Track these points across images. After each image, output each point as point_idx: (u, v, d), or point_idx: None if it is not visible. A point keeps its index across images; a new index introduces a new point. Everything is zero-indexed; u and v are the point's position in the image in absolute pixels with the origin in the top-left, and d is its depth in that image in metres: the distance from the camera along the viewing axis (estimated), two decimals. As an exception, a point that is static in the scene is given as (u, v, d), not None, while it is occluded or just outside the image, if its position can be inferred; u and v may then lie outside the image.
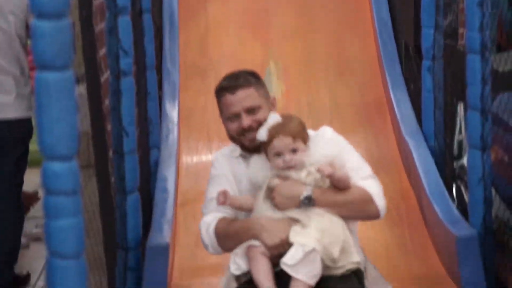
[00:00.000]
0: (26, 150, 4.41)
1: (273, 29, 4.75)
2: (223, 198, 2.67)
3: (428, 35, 3.94)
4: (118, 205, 3.29)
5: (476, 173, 3.22)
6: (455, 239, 3.20)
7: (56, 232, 1.72)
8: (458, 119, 4.16)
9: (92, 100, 3.07)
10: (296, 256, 2.50)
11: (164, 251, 3.25)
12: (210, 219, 2.77)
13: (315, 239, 2.51)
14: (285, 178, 2.64)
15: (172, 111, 4.28)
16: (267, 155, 2.67)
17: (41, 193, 1.73)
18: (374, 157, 4.14)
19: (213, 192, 2.80)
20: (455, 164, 4.08)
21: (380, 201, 2.69)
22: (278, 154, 2.62)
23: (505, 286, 3.26)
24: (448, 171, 3.95)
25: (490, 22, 3.14)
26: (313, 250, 2.49)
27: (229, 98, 2.79)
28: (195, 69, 4.57)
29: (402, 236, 3.65)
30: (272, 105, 2.85)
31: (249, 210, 2.71)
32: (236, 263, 2.64)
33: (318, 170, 2.59)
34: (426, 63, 3.98)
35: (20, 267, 4.56)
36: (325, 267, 2.53)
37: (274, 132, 2.63)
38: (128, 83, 3.25)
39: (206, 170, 4.00)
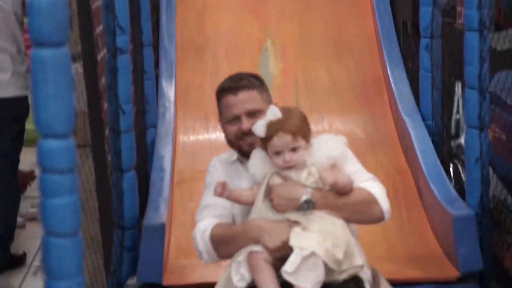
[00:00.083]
0: (22, 129, 4.40)
1: (271, 7, 4.72)
2: (221, 189, 2.51)
3: (426, 13, 3.92)
4: (114, 184, 3.28)
5: (473, 153, 3.21)
6: (452, 219, 3.20)
7: (52, 210, 1.70)
8: (455, 98, 4.15)
9: (89, 78, 3.06)
10: (294, 262, 2.34)
11: (160, 230, 3.24)
12: (205, 225, 2.62)
13: (315, 241, 2.36)
14: (285, 177, 2.50)
15: (169, 90, 4.26)
16: (266, 151, 2.52)
17: (37, 172, 1.71)
18: (372, 136, 4.14)
19: (207, 199, 2.68)
20: (452, 143, 4.07)
21: (384, 203, 2.54)
22: (278, 153, 2.47)
23: (502, 265, 3.26)
24: (446, 151, 3.95)
25: (488, 0, 3.12)
26: (313, 254, 2.34)
27: (231, 99, 2.66)
28: (192, 47, 4.55)
29: (399, 215, 3.64)
30: None
31: (247, 204, 2.57)
32: (240, 273, 2.45)
33: (320, 178, 2.45)
34: (424, 41, 3.97)
35: (16, 247, 4.56)
36: (327, 271, 2.37)
37: (274, 129, 2.46)
38: (124, 61, 3.24)
39: (202, 149, 4.02)
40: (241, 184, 2.66)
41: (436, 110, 3.97)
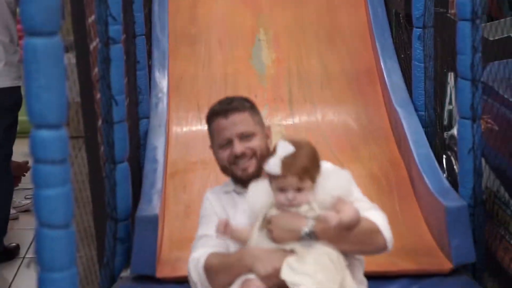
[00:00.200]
0: (14, 120, 4.39)
1: (263, -4, 4.72)
2: (223, 228, 2.44)
3: (419, 3, 3.91)
4: (107, 175, 3.27)
5: (466, 143, 3.21)
6: (444, 210, 3.20)
7: (45, 201, 1.70)
8: (448, 89, 4.15)
9: (81, 68, 3.04)
10: None
11: (154, 222, 3.24)
12: (199, 254, 2.55)
13: (308, 276, 2.27)
14: (284, 210, 2.39)
15: (162, 80, 4.25)
16: (270, 183, 2.40)
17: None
18: (365, 127, 4.14)
19: (203, 230, 2.62)
20: (445, 134, 4.08)
21: (387, 232, 2.45)
22: (282, 190, 2.36)
23: (495, 257, 3.26)
24: (438, 142, 3.95)
25: (481, -10, 3.12)
26: None
27: (222, 122, 2.59)
28: (185, 37, 4.54)
29: (392, 206, 3.64)
30: (267, 135, 2.65)
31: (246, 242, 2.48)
32: None
33: (324, 222, 2.32)
34: (416, 31, 3.96)
35: (9, 239, 4.55)
36: None
37: (285, 168, 2.33)
38: (117, 51, 3.23)
39: (195, 140, 4.01)
40: (236, 214, 2.60)
41: (428, 101, 3.97)
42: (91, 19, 3.37)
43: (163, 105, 4.12)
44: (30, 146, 1.68)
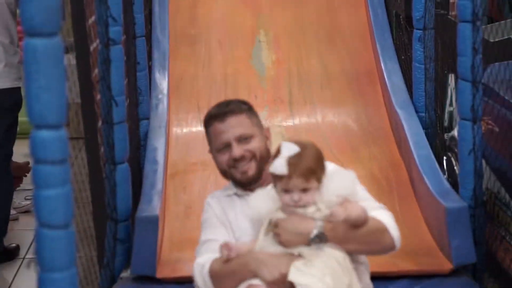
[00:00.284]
0: (15, 121, 4.39)
1: (263, -4, 4.72)
2: (227, 251, 2.41)
3: (419, 5, 3.91)
4: (107, 176, 3.27)
5: (466, 145, 3.21)
6: (445, 211, 3.20)
7: (44, 202, 1.70)
8: (449, 90, 4.15)
9: (81, 69, 3.04)
10: None
11: (154, 222, 3.23)
12: (204, 260, 2.51)
13: (316, 278, 2.24)
14: (290, 213, 2.36)
15: (162, 81, 4.24)
16: (274, 184, 2.37)
17: (32, 164, 1.72)
18: (365, 128, 4.13)
19: (206, 235, 2.60)
20: (445, 135, 4.08)
21: (394, 232, 2.43)
22: (287, 191, 2.33)
23: (495, 258, 3.26)
24: (439, 143, 3.95)
25: (481, -8, 3.12)
26: None
27: (219, 126, 2.57)
28: (185, 38, 4.53)
29: (392, 207, 3.62)
30: (266, 137, 2.64)
31: None
32: None
33: (332, 217, 2.31)
34: (417, 33, 3.96)
35: (9, 240, 4.56)
36: None
37: (291, 168, 2.30)
38: (117, 52, 3.22)
39: (196, 141, 4.01)
40: (237, 217, 2.59)
41: (429, 102, 3.97)
42: (91, 20, 3.37)
43: (163, 106, 4.12)
44: (30, 147, 1.68)
